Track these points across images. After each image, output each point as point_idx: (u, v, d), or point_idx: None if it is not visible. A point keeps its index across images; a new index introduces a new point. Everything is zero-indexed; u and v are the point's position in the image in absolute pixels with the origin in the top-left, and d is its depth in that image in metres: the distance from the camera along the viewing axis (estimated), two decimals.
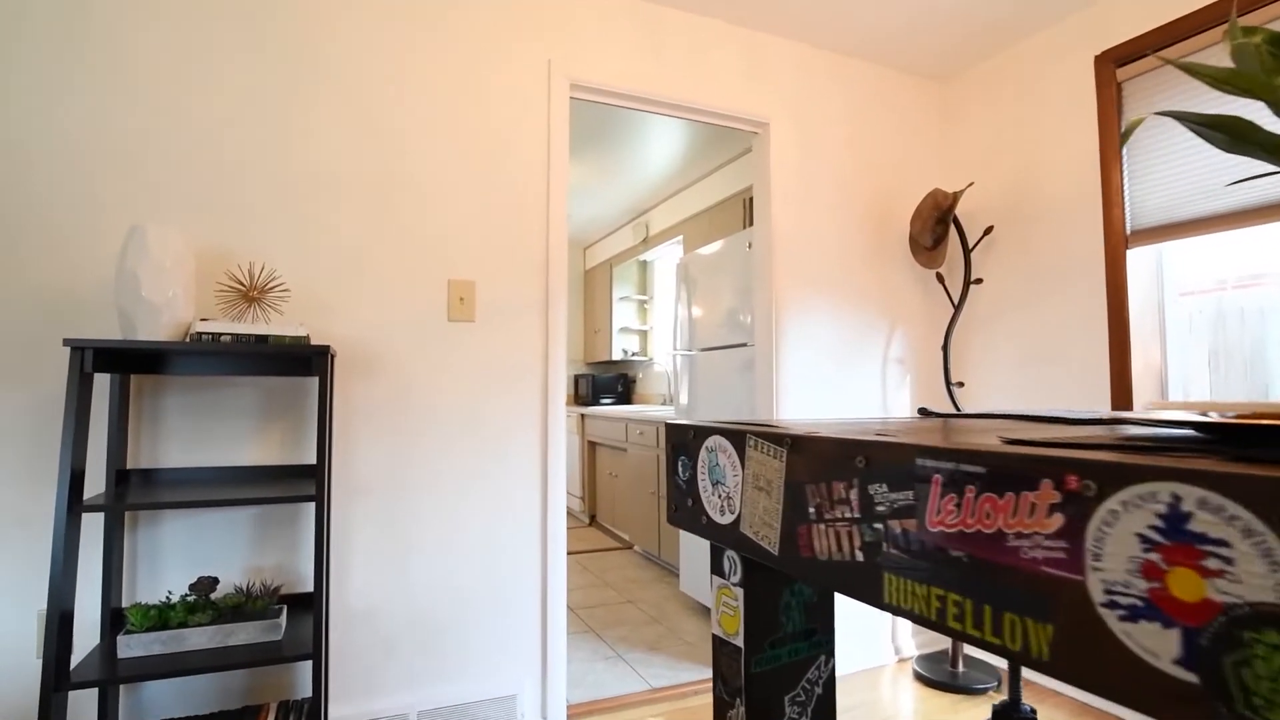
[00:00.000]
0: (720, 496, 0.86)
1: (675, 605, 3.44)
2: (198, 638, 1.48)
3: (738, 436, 0.83)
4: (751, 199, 3.88)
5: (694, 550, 3.33)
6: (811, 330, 2.67)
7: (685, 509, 0.95)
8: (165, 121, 1.79)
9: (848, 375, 2.73)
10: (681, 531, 3.48)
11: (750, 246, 2.92)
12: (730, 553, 0.91)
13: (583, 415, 5.52)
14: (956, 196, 2.59)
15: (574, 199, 4.97)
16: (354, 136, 1.98)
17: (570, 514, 5.81)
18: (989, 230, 2.69)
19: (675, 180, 4.57)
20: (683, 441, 0.96)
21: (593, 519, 5.47)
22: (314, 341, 1.91)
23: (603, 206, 5.22)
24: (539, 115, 2.23)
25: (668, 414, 4.14)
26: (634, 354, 5.92)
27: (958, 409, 2.59)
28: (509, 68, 2.19)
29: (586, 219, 5.57)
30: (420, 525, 2.00)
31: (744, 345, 2.94)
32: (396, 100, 2.03)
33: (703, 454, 0.91)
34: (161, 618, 1.50)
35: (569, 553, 4.54)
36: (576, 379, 6.22)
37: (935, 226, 2.63)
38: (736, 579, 0.90)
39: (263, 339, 1.58)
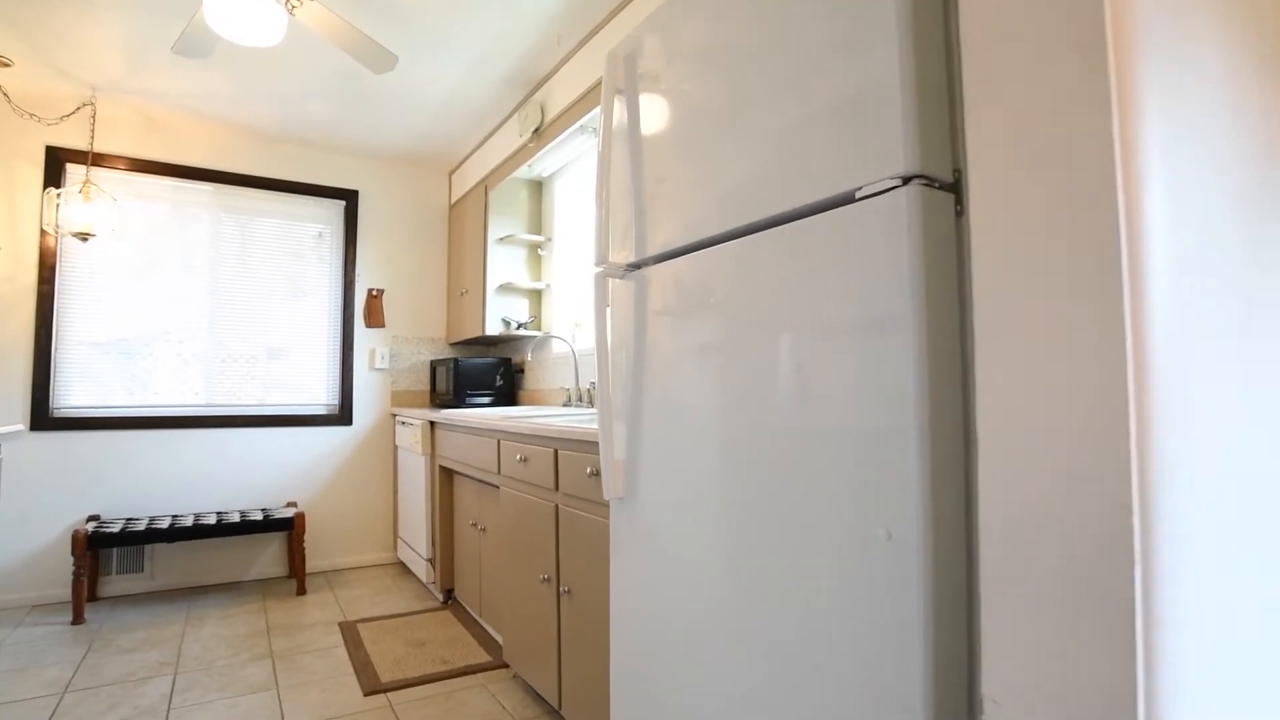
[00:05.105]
0: None
1: None
2: None
3: None
4: None
5: None
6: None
7: None
8: None
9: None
10: (616, 675, 1.42)
11: None
12: None
13: (432, 424, 3.34)
14: None
15: (406, 42, 2.79)
16: None
17: (412, 577, 3.60)
18: None
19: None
20: None
21: (449, 596, 3.29)
22: None
23: (464, 72, 3.07)
24: None
25: (575, 422, 2.08)
26: (521, 325, 3.79)
27: None
28: None
29: (439, 106, 3.39)
30: None
31: (860, 197, 0.91)
32: None
33: None
34: None
35: (380, 689, 2.35)
36: (434, 367, 4.03)
37: None
38: None
39: None
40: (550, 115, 3.08)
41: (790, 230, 1.01)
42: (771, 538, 1.02)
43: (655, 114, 1.34)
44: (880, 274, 0.85)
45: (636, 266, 1.37)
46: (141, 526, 3.14)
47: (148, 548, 3.41)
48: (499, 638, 2.74)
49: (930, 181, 0.83)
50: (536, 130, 3.16)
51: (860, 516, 0.87)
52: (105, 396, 3.40)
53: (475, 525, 2.94)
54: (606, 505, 1.69)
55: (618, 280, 1.40)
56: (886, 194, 0.84)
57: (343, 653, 2.67)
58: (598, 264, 1.36)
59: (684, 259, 1.24)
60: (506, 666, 2.53)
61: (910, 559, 0.79)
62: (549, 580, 2.06)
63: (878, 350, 0.85)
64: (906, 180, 0.83)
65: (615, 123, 1.41)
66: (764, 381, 1.04)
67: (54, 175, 3.27)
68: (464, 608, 3.15)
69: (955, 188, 0.85)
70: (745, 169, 1.10)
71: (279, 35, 2.14)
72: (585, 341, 3.33)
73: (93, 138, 3.29)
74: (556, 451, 2.01)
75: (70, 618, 3.02)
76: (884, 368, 0.84)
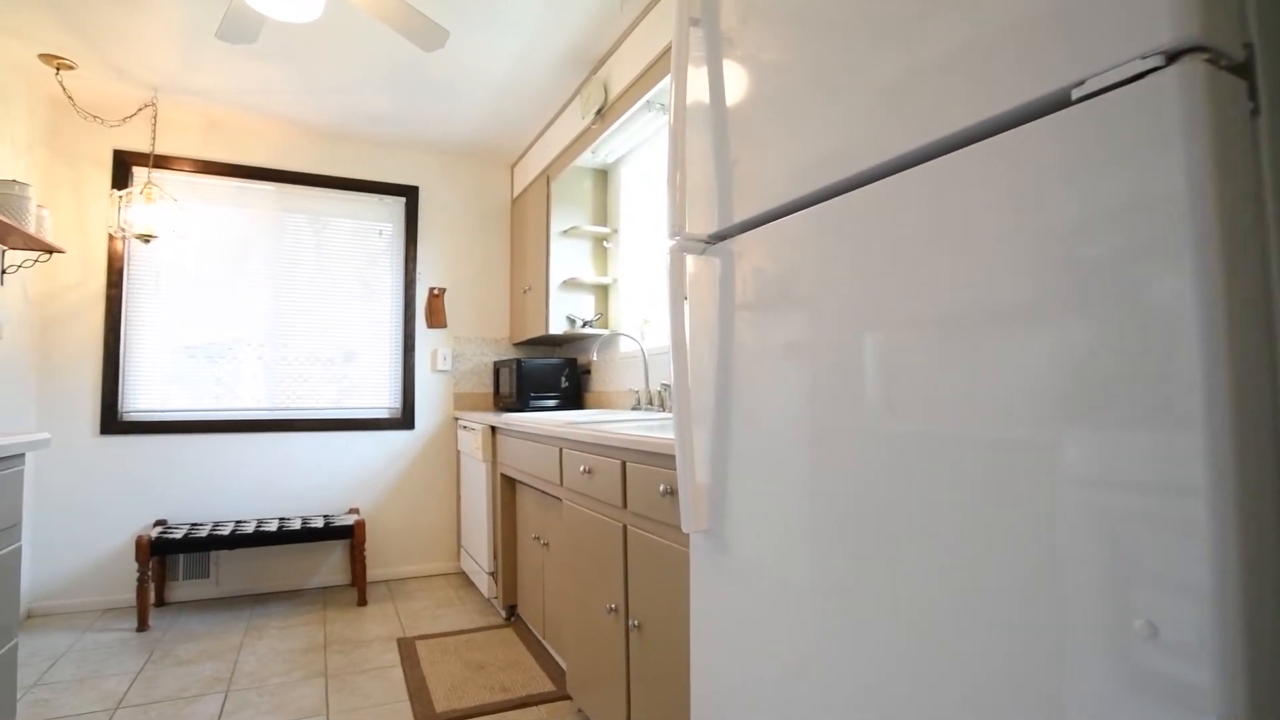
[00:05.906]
0: None
1: None
2: None
3: None
4: None
5: None
6: None
7: None
8: None
9: None
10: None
11: None
12: None
13: (494, 429, 3.15)
14: None
15: (457, 17, 2.59)
16: None
17: (475, 590, 3.41)
18: None
19: None
20: None
21: (513, 613, 3.09)
22: None
23: (520, 51, 2.86)
24: None
25: (645, 428, 1.82)
26: (586, 323, 3.56)
27: None
28: None
29: (497, 91, 3.19)
30: None
31: None
32: None
33: None
34: None
35: None
36: (497, 368, 3.85)
37: None
38: None
39: None
40: (614, 92, 2.82)
41: (948, 164, 0.70)
42: (919, 604, 0.71)
43: (746, 39, 1.05)
44: (1123, 208, 0.54)
45: (721, 237, 1.08)
46: (204, 532, 3.07)
47: (213, 554, 3.36)
48: (563, 663, 2.50)
49: (1215, 57, 0.51)
50: (599, 111, 2.92)
51: (1090, 592, 0.56)
52: (173, 400, 3.36)
53: (538, 539, 2.72)
54: (684, 531, 1.41)
55: (696, 256, 1.12)
56: (1137, 81, 0.53)
57: (398, 674, 2.50)
58: (671, 236, 1.09)
59: (785, 222, 0.95)
60: (570, 698, 2.28)
61: (1198, 676, 0.48)
62: (616, 610, 1.80)
63: (1127, 330, 0.54)
64: (1173, 57, 0.51)
65: (692, 56, 1.13)
66: (912, 383, 0.74)
67: (121, 179, 3.26)
68: (527, 626, 2.94)
69: (1246, 71, 0.53)
70: (879, 82, 0.79)
71: (318, 9, 1.97)
72: (655, 340, 3.07)
73: (154, 139, 3.26)
74: (624, 464, 1.75)
75: (136, 624, 2.97)
76: (1136, 358, 0.53)
